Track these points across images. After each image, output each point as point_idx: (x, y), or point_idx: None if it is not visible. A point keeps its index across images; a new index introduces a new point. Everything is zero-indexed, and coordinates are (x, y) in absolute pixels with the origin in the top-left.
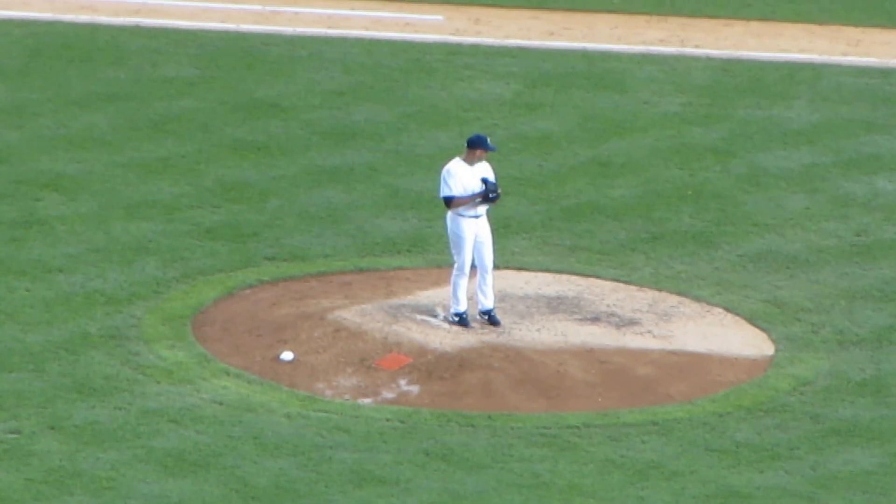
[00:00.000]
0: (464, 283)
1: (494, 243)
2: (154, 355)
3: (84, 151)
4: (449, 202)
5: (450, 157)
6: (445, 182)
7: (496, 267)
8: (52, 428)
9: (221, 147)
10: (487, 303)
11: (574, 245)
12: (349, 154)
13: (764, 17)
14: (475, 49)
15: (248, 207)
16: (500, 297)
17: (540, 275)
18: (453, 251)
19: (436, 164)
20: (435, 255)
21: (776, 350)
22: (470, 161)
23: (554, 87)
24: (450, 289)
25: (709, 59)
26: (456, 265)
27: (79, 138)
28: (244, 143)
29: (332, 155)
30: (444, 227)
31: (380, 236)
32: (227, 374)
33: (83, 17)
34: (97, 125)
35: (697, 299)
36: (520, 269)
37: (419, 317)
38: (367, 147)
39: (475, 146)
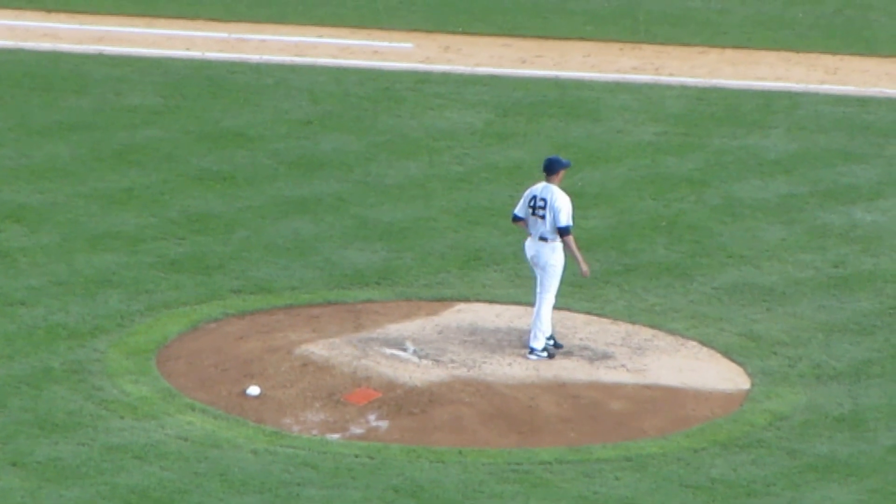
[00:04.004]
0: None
1: (464, 276)
2: (118, 390)
3: (46, 182)
4: (569, 232)
5: (419, 188)
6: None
7: (466, 299)
8: (14, 464)
9: (186, 177)
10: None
11: None
12: (317, 184)
13: (740, 45)
14: (445, 77)
15: (213, 239)
16: (471, 331)
17: (511, 307)
18: (551, 281)
19: (405, 194)
20: (404, 288)
21: (752, 384)
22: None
23: (526, 116)
24: (544, 326)
25: (684, 87)
26: (549, 293)
27: (41, 168)
28: (209, 173)
29: (299, 185)
30: (525, 256)
31: (348, 268)
32: (193, 409)
33: (45, 45)
34: (60, 155)
35: (672, 332)
36: (491, 301)
37: (388, 351)
38: (335, 177)
39: (562, 167)
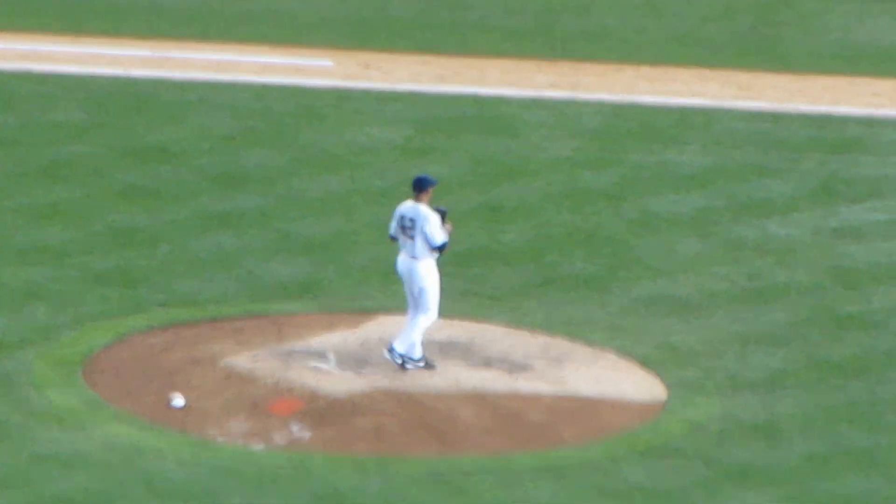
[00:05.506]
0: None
1: (385, 288)
2: (44, 400)
3: None
4: (445, 247)
5: (341, 202)
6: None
7: (387, 311)
8: None
9: (111, 192)
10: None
11: (466, 290)
12: (240, 199)
13: (655, 62)
14: (365, 94)
15: (138, 253)
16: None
17: None
18: (430, 299)
19: (326, 209)
20: (326, 300)
21: (669, 394)
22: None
23: (445, 132)
24: (415, 335)
25: (600, 103)
26: (431, 311)
27: None
28: (134, 188)
29: (222, 200)
30: (401, 274)
31: (271, 281)
32: (118, 419)
33: None
34: None
35: (590, 343)
36: None
37: (311, 362)
38: (257, 192)
39: (430, 185)
